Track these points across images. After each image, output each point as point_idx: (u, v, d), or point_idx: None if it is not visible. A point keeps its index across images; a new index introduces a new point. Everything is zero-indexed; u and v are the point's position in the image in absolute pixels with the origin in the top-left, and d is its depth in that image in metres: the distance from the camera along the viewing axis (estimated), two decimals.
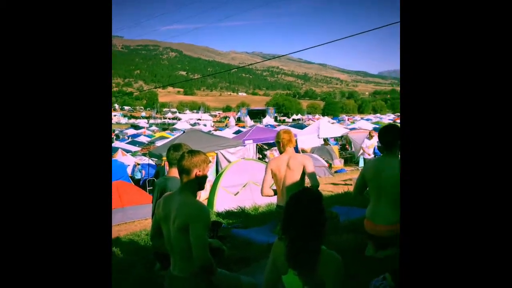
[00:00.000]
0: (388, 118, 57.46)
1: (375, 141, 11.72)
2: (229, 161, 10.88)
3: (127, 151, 20.96)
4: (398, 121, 37.86)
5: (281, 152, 4.34)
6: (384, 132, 3.63)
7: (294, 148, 4.39)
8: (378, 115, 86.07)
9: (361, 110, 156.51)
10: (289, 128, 16.60)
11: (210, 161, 2.85)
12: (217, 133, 25.14)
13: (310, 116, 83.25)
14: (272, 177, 4.28)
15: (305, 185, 4.11)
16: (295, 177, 4.15)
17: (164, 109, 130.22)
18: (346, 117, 67.04)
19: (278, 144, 4.34)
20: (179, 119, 76.82)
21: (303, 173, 4.14)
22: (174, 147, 3.62)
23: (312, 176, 4.17)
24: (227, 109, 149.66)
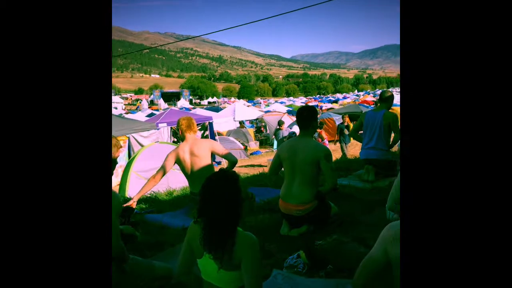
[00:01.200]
0: (300, 101, 59.61)
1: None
2: (141, 145, 10.47)
3: None
4: (310, 103, 39.58)
5: (182, 140, 4.25)
6: (300, 113, 3.70)
7: (210, 131, 4.31)
8: (291, 98, 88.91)
9: (275, 93, 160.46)
10: (193, 113, 16.22)
11: (121, 146, 2.68)
12: (129, 116, 24.04)
13: (226, 99, 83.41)
14: (179, 166, 4.19)
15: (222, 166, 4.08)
16: (202, 162, 4.11)
17: None
18: (262, 100, 68.25)
19: (178, 131, 4.25)
20: None
21: (213, 157, 4.11)
22: None
23: (227, 156, 4.15)
24: (139, 91, 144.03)
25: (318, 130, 11.10)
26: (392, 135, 5.20)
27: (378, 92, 77.64)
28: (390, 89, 33.72)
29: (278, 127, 12.36)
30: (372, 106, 27.40)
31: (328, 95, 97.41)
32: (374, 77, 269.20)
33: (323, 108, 31.81)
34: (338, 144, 12.05)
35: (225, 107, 26.95)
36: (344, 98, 57.96)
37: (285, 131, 11.87)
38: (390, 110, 5.36)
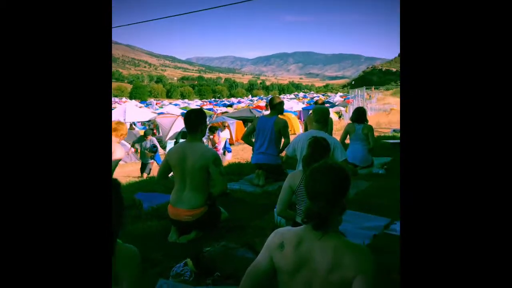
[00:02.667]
0: (195, 103, 59.26)
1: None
2: None
3: None
4: (205, 107, 39.48)
5: None
6: (188, 117, 3.61)
7: None
8: (186, 100, 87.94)
9: (169, 95, 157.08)
10: None
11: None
12: None
13: (117, 99, 79.24)
14: None
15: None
16: None
17: None
18: (154, 102, 66.28)
19: None
20: None
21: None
22: None
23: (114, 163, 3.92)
24: None
25: (213, 135, 11.06)
26: (283, 140, 5.39)
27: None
28: (281, 96, 35.11)
29: (144, 136, 11.07)
30: (265, 110, 28.36)
31: (223, 99, 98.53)
32: (267, 83, 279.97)
33: (218, 111, 32.04)
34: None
35: (115, 107, 25.60)
36: (239, 102, 59.16)
37: (148, 142, 10.70)
38: (281, 116, 5.56)
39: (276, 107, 5.54)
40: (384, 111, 29.73)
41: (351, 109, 23.15)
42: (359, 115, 6.25)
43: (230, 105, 45.31)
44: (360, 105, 26.59)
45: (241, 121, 19.81)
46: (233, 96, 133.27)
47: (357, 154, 5.94)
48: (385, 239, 3.38)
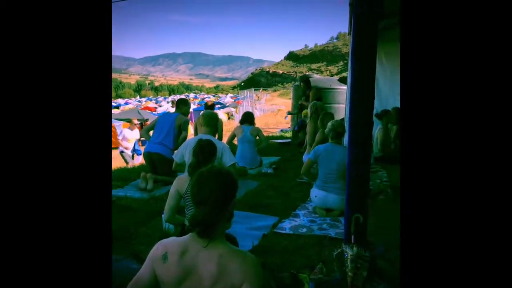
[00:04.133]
0: None
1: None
2: None
3: None
4: None
5: None
6: None
7: None
8: None
9: None
10: None
11: None
12: None
13: None
14: None
15: None
16: None
17: None
18: None
19: None
20: None
21: None
22: None
23: None
24: None
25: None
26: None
27: (160, 98, 78.54)
28: (171, 97, 34.35)
29: None
30: (154, 112, 27.46)
31: None
32: (156, 83, 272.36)
33: None
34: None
35: None
36: (126, 103, 56.49)
37: None
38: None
39: (180, 106, 5.60)
40: (272, 111, 30.97)
41: (241, 110, 23.63)
42: (247, 117, 6.41)
43: (117, 107, 42.98)
44: (250, 106, 27.33)
45: (128, 123, 18.91)
46: (120, 97, 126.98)
47: (246, 155, 6.03)
48: (274, 238, 3.45)
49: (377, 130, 6.96)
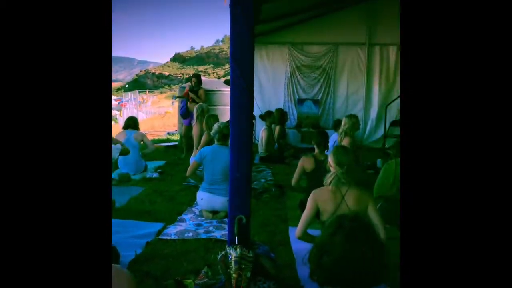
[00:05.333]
0: None
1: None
2: None
3: None
4: None
5: None
6: None
7: None
8: None
9: None
10: None
11: None
12: None
13: None
14: None
15: None
16: None
17: None
18: None
19: None
20: None
21: None
22: None
23: None
24: None
25: None
26: None
27: None
28: None
29: None
30: None
31: None
32: None
33: None
34: None
35: None
36: None
37: None
38: None
39: None
40: (159, 114, 30.17)
41: (125, 113, 22.55)
42: (131, 122, 6.13)
43: None
44: (135, 108, 26.23)
45: None
46: None
47: (129, 161, 5.72)
48: (158, 245, 3.31)
49: (261, 131, 7.19)
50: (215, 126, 4.30)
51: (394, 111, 8.30)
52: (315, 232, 2.69)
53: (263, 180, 5.46)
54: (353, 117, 5.04)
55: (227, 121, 5.99)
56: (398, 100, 7.44)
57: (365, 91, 8.83)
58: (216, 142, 4.22)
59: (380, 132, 8.40)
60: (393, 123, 7.93)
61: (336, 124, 6.28)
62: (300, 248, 2.94)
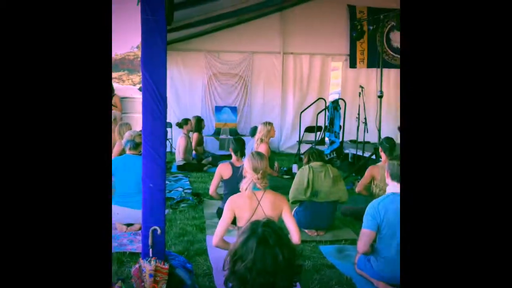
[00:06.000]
0: None
1: None
2: None
3: None
4: None
5: None
6: None
7: None
8: None
9: None
10: None
11: None
12: None
13: None
14: None
15: None
16: None
17: None
18: None
19: None
20: None
21: None
22: None
23: None
24: None
25: None
26: None
27: None
28: None
29: None
30: None
31: None
32: None
33: None
34: None
35: None
36: None
37: None
38: None
39: None
40: None
41: None
42: None
43: None
44: None
45: None
46: None
47: None
48: None
49: (178, 138, 7.06)
50: (127, 135, 4.13)
51: (308, 117, 8.64)
52: (232, 239, 2.69)
53: (180, 189, 5.34)
54: (268, 124, 5.16)
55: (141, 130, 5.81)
56: (332, 105, 7.77)
57: (280, 98, 9.09)
58: (127, 151, 4.04)
59: (295, 138, 8.69)
60: (307, 129, 8.27)
61: (254, 131, 6.38)
62: (217, 256, 2.92)
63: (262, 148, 4.83)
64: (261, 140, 5.01)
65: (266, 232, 1.52)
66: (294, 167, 6.08)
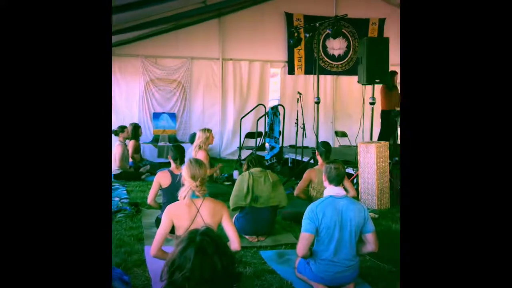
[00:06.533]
0: None
1: None
2: None
3: None
4: None
5: None
6: None
7: None
8: None
9: None
10: None
11: None
12: None
13: None
14: None
15: None
16: None
17: None
18: None
19: None
20: None
21: None
22: None
23: None
24: None
25: None
26: None
27: None
28: None
29: None
30: None
31: None
32: None
33: None
34: None
35: None
36: None
37: None
38: None
39: None
40: None
41: None
42: None
43: None
44: None
45: None
46: None
47: None
48: None
49: (114, 146, 6.79)
50: None
51: (248, 123, 8.69)
52: (171, 249, 2.61)
53: (116, 199, 5.13)
54: (206, 131, 5.11)
55: None
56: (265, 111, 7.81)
57: (221, 104, 9.07)
58: None
59: (236, 144, 8.70)
60: (248, 135, 8.31)
61: (193, 138, 6.29)
62: (156, 267, 2.82)
63: (200, 155, 4.77)
64: (200, 147, 4.95)
65: (204, 241, 1.51)
66: (235, 173, 6.07)
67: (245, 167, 4.04)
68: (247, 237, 3.79)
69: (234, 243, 2.68)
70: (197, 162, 2.77)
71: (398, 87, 7.43)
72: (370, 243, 2.82)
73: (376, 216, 4.61)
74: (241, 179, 3.85)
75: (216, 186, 5.41)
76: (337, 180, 2.86)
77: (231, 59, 9.01)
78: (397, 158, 5.52)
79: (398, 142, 7.01)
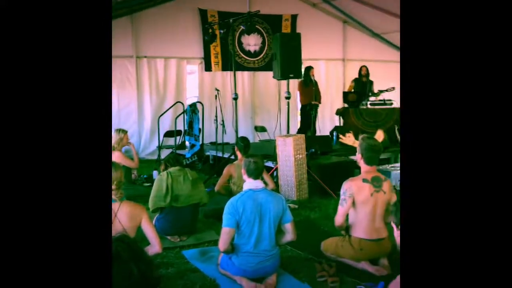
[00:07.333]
0: None
1: None
2: None
3: None
4: None
5: None
6: None
7: None
8: None
9: None
10: None
11: None
12: None
13: None
14: None
15: None
16: None
17: None
18: None
19: None
20: None
21: None
22: None
23: None
24: None
25: None
26: None
27: None
28: None
29: None
30: None
31: None
32: None
33: None
34: None
35: None
36: None
37: None
38: None
39: None
40: None
41: None
42: None
43: None
44: None
45: None
46: None
47: None
48: None
49: None
50: None
51: (167, 122, 8.51)
52: None
53: None
54: (121, 132, 4.91)
55: None
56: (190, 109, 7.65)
57: (137, 103, 8.75)
58: None
59: (155, 144, 8.47)
60: (167, 134, 8.13)
61: None
62: None
63: (115, 157, 4.58)
64: (114, 148, 4.74)
65: (119, 247, 1.46)
66: (155, 174, 5.91)
67: (162, 167, 3.95)
68: (168, 237, 3.72)
69: (155, 246, 2.63)
70: (112, 164, 2.66)
71: (314, 81, 7.74)
72: (289, 233, 2.92)
73: (296, 206, 4.78)
74: (160, 179, 3.76)
75: (134, 188, 5.24)
76: (255, 173, 2.92)
77: (145, 57, 8.73)
78: (313, 150, 5.77)
79: (316, 134, 7.36)
